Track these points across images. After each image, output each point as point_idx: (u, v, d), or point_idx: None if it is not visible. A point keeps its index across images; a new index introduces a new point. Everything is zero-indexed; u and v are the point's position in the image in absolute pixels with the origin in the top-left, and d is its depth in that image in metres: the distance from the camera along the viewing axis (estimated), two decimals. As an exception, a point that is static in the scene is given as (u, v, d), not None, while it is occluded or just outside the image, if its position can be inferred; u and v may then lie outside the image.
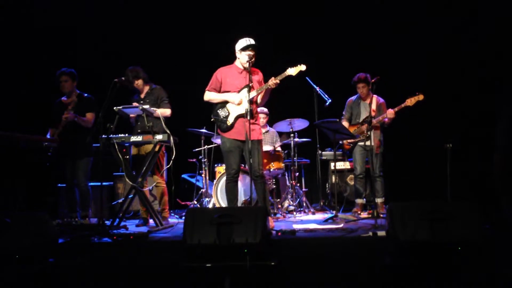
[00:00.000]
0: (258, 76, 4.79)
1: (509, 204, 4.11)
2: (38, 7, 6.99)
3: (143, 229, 4.88)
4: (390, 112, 5.53)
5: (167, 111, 5.29)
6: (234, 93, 4.70)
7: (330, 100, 5.78)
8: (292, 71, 4.57)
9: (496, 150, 4.32)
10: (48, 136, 5.33)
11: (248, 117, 4.43)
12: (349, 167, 6.69)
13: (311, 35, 7.15)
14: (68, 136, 5.23)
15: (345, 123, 5.90)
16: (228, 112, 4.73)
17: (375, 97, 5.75)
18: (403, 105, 5.46)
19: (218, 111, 4.78)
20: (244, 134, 4.53)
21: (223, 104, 4.76)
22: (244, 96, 4.60)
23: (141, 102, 5.31)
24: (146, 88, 5.43)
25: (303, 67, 4.56)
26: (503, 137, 4.25)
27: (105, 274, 3.63)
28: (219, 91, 4.78)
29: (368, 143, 5.50)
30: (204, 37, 7.24)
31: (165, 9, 7.28)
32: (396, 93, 5.75)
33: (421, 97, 5.36)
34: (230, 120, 4.71)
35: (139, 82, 5.35)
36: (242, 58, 4.66)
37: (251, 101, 4.64)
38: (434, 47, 6.65)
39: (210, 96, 4.82)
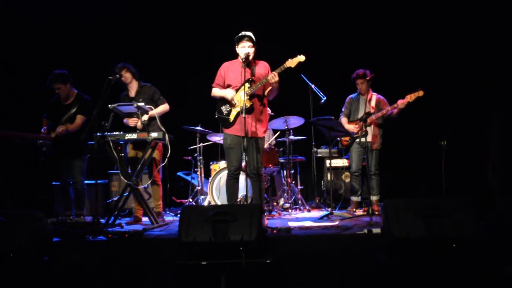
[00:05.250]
0: (263, 69, 4.73)
1: (505, 203, 4.12)
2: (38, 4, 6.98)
3: (138, 227, 4.87)
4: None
5: (166, 107, 5.35)
6: (229, 90, 4.70)
7: (325, 98, 5.79)
8: (291, 62, 4.53)
9: (490, 150, 4.33)
10: (42, 129, 5.30)
11: (244, 114, 4.41)
12: (345, 164, 6.70)
13: (307, 32, 7.14)
14: (63, 135, 5.21)
15: (344, 120, 5.90)
16: (230, 108, 4.73)
17: (374, 94, 5.77)
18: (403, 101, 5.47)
19: (221, 108, 4.78)
20: (244, 131, 4.51)
21: (226, 100, 4.75)
22: (242, 93, 4.58)
23: (133, 100, 5.26)
24: (135, 85, 5.37)
25: (302, 58, 4.50)
26: (497, 140, 4.26)
27: (100, 272, 3.62)
28: (223, 86, 4.78)
29: (364, 139, 5.52)
30: (199, 35, 7.22)
31: (160, 7, 7.25)
32: (393, 90, 5.75)
33: (421, 93, 5.38)
34: (231, 117, 4.70)
35: (127, 75, 5.28)
36: (240, 52, 4.66)
37: (252, 96, 4.63)
38: (431, 45, 6.66)
39: (214, 92, 4.83)
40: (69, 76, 5.35)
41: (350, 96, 5.97)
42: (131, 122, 5.22)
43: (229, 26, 5.78)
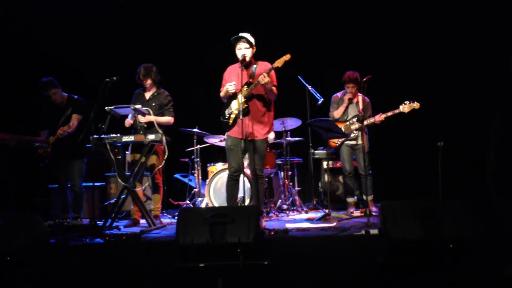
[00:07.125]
0: (263, 70, 4.67)
1: (503, 205, 4.12)
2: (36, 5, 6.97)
3: (136, 229, 4.87)
4: (378, 119, 5.52)
5: (171, 120, 5.39)
6: (227, 84, 4.69)
7: (322, 99, 5.78)
8: (278, 62, 4.55)
9: (489, 150, 4.33)
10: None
11: (241, 116, 4.41)
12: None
13: (307, 33, 7.15)
14: (61, 139, 5.20)
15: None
16: (231, 110, 4.74)
17: (361, 96, 5.72)
18: (396, 111, 5.48)
19: (225, 111, 4.80)
20: (244, 132, 4.51)
21: (228, 103, 4.77)
22: (240, 95, 4.57)
23: (146, 102, 5.33)
24: (153, 89, 5.42)
25: (287, 57, 4.53)
26: (496, 140, 4.26)
27: (98, 275, 3.61)
28: None
29: (355, 142, 5.55)
30: (199, 35, 7.21)
31: (159, 7, 7.25)
32: (390, 92, 5.76)
33: (417, 106, 5.39)
34: (230, 119, 4.71)
35: (147, 82, 5.34)
36: (237, 54, 4.65)
37: (251, 97, 4.63)
38: (428, 46, 6.67)
39: (221, 95, 4.84)
40: (56, 82, 5.40)
41: (337, 94, 5.93)
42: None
43: (229, 26, 5.78)
